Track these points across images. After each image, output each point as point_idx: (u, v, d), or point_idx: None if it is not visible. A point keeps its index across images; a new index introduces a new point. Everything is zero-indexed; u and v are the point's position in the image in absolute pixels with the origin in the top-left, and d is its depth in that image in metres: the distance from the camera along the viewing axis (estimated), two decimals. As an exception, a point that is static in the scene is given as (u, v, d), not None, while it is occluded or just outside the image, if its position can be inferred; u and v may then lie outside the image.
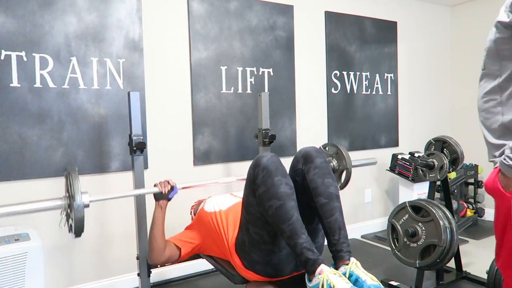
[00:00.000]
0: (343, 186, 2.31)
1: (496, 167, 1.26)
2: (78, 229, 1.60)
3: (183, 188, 1.96)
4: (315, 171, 1.56)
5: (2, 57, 2.19)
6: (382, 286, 1.32)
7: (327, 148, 2.42)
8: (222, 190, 2.89)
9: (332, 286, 1.28)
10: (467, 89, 4.08)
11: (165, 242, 1.84)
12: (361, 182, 3.71)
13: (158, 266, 2.11)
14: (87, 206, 1.62)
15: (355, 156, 3.63)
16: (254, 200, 1.52)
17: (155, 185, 1.88)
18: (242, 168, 2.96)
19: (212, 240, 1.83)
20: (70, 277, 2.44)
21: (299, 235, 1.40)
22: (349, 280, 1.34)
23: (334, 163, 2.31)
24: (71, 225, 1.64)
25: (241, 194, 1.85)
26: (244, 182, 1.61)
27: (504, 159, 1.20)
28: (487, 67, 1.30)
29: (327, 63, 3.43)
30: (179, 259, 1.89)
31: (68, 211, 1.65)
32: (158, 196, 1.86)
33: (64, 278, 2.42)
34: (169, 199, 1.88)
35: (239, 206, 1.71)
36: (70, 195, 1.60)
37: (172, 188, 1.87)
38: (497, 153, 1.26)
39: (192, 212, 2.17)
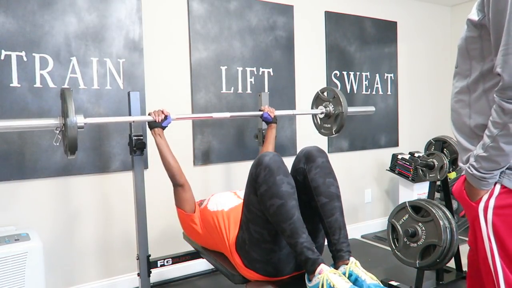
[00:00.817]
0: (338, 130, 2.33)
1: (462, 175, 1.22)
2: (71, 148, 1.64)
3: (177, 118, 2.03)
4: (317, 170, 1.57)
5: (2, 57, 2.19)
6: (382, 285, 1.32)
7: (325, 93, 2.41)
8: (223, 188, 2.90)
9: (332, 286, 1.28)
10: (467, 89, 4.07)
11: (177, 162, 1.94)
12: (361, 182, 3.71)
13: (158, 266, 2.11)
14: (81, 127, 1.68)
15: (355, 156, 3.65)
16: (255, 199, 1.52)
17: (149, 114, 1.94)
18: (242, 168, 2.97)
19: (212, 238, 1.84)
20: (70, 277, 2.44)
21: (299, 234, 1.40)
22: (349, 280, 1.34)
23: (331, 107, 2.33)
24: (66, 145, 1.68)
25: (242, 191, 1.86)
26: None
27: (469, 167, 1.16)
28: (459, 65, 1.25)
29: (327, 63, 3.43)
30: (195, 215, 1.93)
31: (63, 129, 1.68)
32: (152, 125, 1.94)
33: (64, 278, 2.42)
34: (163, 128, 1.95)
35: (241, 208, 1.72)
36: (65, 114, 1.64)
37: (166, 117, 1.94)
38: (464, 158, 1.22)
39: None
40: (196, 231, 1.93)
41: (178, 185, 1.94)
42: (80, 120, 1.68)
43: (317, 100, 2.45)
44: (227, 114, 2.20)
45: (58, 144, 1.74)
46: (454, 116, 1.27)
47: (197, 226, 1.92)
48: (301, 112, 2.62)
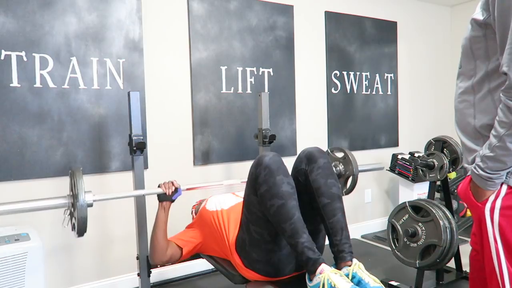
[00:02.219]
0: (349, 191, 2.29)
1: (468, 175, 1.20)
2: (81, 229, 1.60)
3: (187, 189, 1.97)
4: (318, 171, 1.57)
5: (2, 57, 2.19)
6: None
7: (334, 152, 2.39)
8: (224, 189, 2.89)
9: (333, 286, 1.28)
10: (467, 89, 4.07)
11: (167, 242, 1.84)
12: (361, 182, 3.68)
13: (159, 266, 2.11)
14: (90, 205, 1.63)
15: (355, 156, 3.64)
16: (255, 199, 1.52)
17: (159, 186, 1.89)
18: (242, 168, 2.96)
19: (213, 239, 1.83)
20: (70, 277, 2.44)
21: (300, 234, 1.40)
22: (352, 282, 1.34)
23: (341, 167, 2.29)
24: (74, 224, 1.64)
25: (243, 193, 1.85)
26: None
27: (475, 167, 1.14)
28: (463, 65, 1.24)
29: (327, 63, 3.43)
30: (181, 259, 1.89)
31: (72, 210, 1.65)
32: (161, 198, 1.87)
33: (64, 278, 2.42)
34: (172, 201, 1.89)
35: (241, 206, 1.72)
36: (74, 194, 1.61)
37: (176, 189, 1.88)
38: (470, 159, 1.21)
39: (193, 212, 2.18)
40: (196, 246, 1.91)
41: (154, 264, 1.88)
42: (89, 198, 1.63)
43: None
44: (238, 181, 2.13)
45: (66, 226, 1.70)
46: (459, 116, 1.26)
47: (194, 243, 1.90)
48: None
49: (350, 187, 2.29)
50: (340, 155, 2.33)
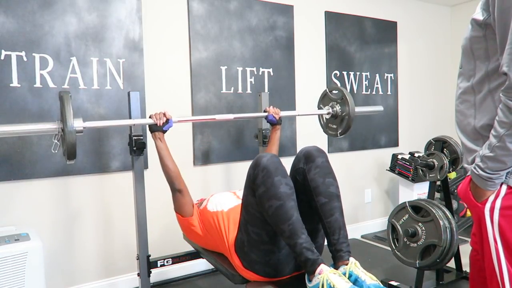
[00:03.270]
0: (343, 132, 2.27)
1: (468, 175, 1.20)
2: (70, 153, 1.61)
3: (178, 121, 1.98)
4: (316, 170, 1.57)
5: (2, 57, 2.19)
6: (382, 285, 1.32)
7: (333, 92, 2.36)
8: (223, 188, 2.90)
9: (332, 286, 1.28)
10: (467, 89, 4.07)
11: (177, 166, 1.90)
12: (361, 182, 3.71)
13: (158, 266, 2.11)
14: (80, 131, 1.65)
15: (355, 156, 3.65)
16: (253, 200, 1.52)
17: (150, 116, 1.89)
18: (242, 168, 2.97)
19: (213, 238, 1.84)
20: (70, 277, 2.44)
21: (298, 235, 1.40)
22: (349, 280, 1.34)
23: (338, 108, 2.28)
24: (64, 150, 1.65)
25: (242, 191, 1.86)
26: None
27: (474, 167, 1.15)
28: (463, 66, 1.24)
29: (327, 63, 3.43)
30: (192, 218, 1.91)
31: (62, 135, 1.65)
32: (153, 128, 1.89)
33: (64, 278, 2.42)
34: (164, 132, 1.91)
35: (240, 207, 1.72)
36: (63, 119, 1.61)
37: (168, 120, 1.89)
38: (469, 159, 1.21)
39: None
40: (196, 232, 1.92)
41: (177, 190, 1.91)
42: (78, 124, 1.65)
43: (324, 99, 2.41)
44: (230, 116, 2.15)
45: (56, 151, 1.72)
46: (459, 117, 1.26)
47: (196, 227, 1.91)
48: (307, 113, 2.58)
49: (345, 128, 2.26)
50: (338, 97, 2.31)
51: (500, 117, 1.07)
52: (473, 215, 1.22)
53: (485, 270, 1.21)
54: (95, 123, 1.85)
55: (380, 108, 2.60)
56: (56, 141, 1.71)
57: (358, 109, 2.32)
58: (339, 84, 3.49)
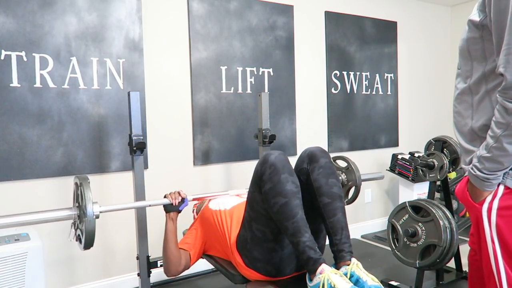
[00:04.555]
0: (351, 201, 2.30)
1: (465, 176, 1.21)
2: (88, 242, 1.53)
3: (193, 199, 1.94)
4: (319, 171, 1.57)
5: (2, 57, 2.19)
6: (383, 287, 1.32)
7: (337, 161, 2.38)
8: (223, 188, 2.90)
9: (332, 286, 1.28)
10: (467, 89, 4.07)
11: (179, 252, 1.83)
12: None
13: (158, 266, 2.11)
14: (97, 217, 1.56)
15: (355, 156, 3.64)
16: (259, 197, 1.52)
17: (165, 196, 1.85)
18: (242, 168, 2.97)
19: (215, 238, 1.84)
20: (70, 277, 2.44)
21: (302, 233, 1.41)
22: (350, 281, 1.34)
23: (343, 177, 2.29)
24: (79, 236, 1.57)
25: (245, 194, 1.86)
26: (251, 174, 1.60)
27: (472, 168, 1.15)
28: (461, 67, 1.24)
29: (327, 63, 3.43)
30: (191, 262, 1.87)
31: (78, 222, 1.59)
32: (168, 208, 1.84)
33: (64, 278, 2.42)
34: (179, 211, 1.87)
35: (243, 206, 1.72)
36: (80, 206, 1.55)
37: (183, 200, 1.85)
38: (467, 160, 1.21)
39: (195, 211, 2.17)
40: (203, 247, 1.91)
41: (171, 276, 1.83)
42: (96, 209, 1.56)
43: None
44: (244, 190, 2.07)
45: (72, 240, 1.63)
46: (456, 118, 1.26)
47: (201, 247, 1.89)
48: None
49: (353, 197, 2.29)
50: (343, 165, 2.32)
51: (497, 118, 1.07)
52: (471, 215, 1.23)
53: (483, 270, 1.21)
54: (110, 207, 1.77)
55: (381, 174, 2.68)
56: (72, 228, 1.63)
57: (363, 177, 2.34)
58: (339, 85, 3.49)
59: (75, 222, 1.63)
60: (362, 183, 2.28)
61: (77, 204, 1.61)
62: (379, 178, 2.65)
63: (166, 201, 1.83)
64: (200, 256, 1.91)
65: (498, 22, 1.06)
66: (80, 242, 1.58)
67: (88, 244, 1.54)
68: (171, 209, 1.84)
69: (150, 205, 1.87)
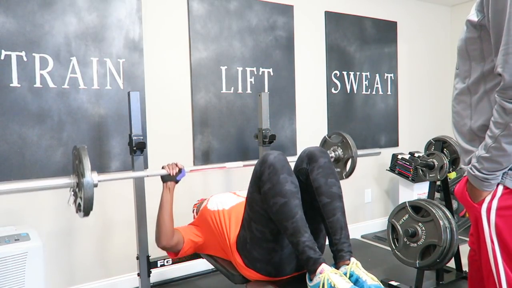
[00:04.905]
0: (348, 174, 2.30)
1: (465, 176, 1.21)
2: (87, 208, 1.58)
3: (190, 171, 1.99)
4: (319, 170, 1.57)
5: (2, 57, 2.19)
6: (383, 286, 1.32)
7: (331, 137, 2.40)
8: (223, 188, 2.90)
9: (332, 286, 1.28)
10: (467, 89, 4.08)
11: (173, 225, 1.86)
12: (361, 182, 3.71)
13: (158, 266, 2.11)
14: (95, 185, 1.61)
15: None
16: (259, 197, 1.52)
17: (163, 167, 1.91)
18: (242, 168, 2.96)
19: (214, 238, 1.84)
20: (70, 277, 2.44)
21: (302, 233, 1.41)
22: (350, 280, 1.34)
23: (339, 151, 2.31)
24: (79, 204, 1.62)
25: (244, 193, 1.86)
26: (250, 174, 1.60)
27: (471, 168, 1.15)
28: (459, 67, 1.25)
29: (327, 63, 3.43)
30: (182, 251, 1.88)
31: (77, 190, 1.64)
32: (166, 178, 1.90)
33: (64, 278, 2.42)
34: (176, 181, 1.92)
35: (242, 206, 1.72)
36: (79, 174, 1.59)
37: (180, 170, 1.91)
38: (466, 160, 1.21)
39: (195, 211, 2.18)
40: (198, 245, 1.91)
41: (161, 247, 1.85)
42: (94, 178, 1.58)
43: (325, 144, 2.44)
44: (240, 164, 2.17)
45: (71, 205, 1.68)
46: (455, 118, 1.26)
47: (196, 243, 1.90)
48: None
49: (350, 170, 2.29)
50: (338, 140, 2.35)
51: (496, 118, 1.07)
52: (470, 215, 1.23)
53: (482, 270, 1.21)
54: (108, 176, 1.82)
55: (378, 151, 2.71)
56: (71, 194, 1.67)
57: (359, 152, 2.35)
58: (339, 85, 3.49)
59: (74, 190, 1.66)
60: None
61: (75, 173, 1.64)
62: (376, 154, 2.69)
63: (164, 171, 1.89)
64: (192, 249, 1.91)
65: (496, 22, 1.06)
66: (80, 210, 1.62)
67: (87, 210, 1.58)
68: (169, 179, 1.90)
69: (148, 176, 1.93)
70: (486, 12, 1.09)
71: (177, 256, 1.92)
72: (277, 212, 1.44)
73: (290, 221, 1.42)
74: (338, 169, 2.37)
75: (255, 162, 1.62)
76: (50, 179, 1.68)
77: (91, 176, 1.55)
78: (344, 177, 2.30)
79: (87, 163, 1.56)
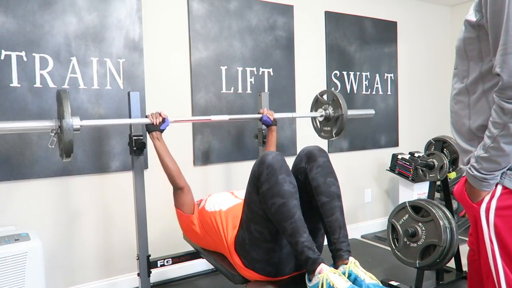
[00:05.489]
0: (338, 133, 2.31)
1: (463, 176, 1.21)
2: (67, 151, 1.62)
3: (174, 121, 2.01)
4: (318, 170, 1.57)
5: (2, 57, 2.19)
6: (381, 285, 1.32)
7: (324, 96, 2.40)
8: (223, 188, 2.90)
9: (331, 285, 1.28)
10: (467, 89, 4.08)
11: (176, 163, 1.93)
12: (361, 182, 3.71)
13: (158, 266, 2.11)
14: (77, 129, 1.65)
15: (355, 156, 3.65)
16: (257, 198, 1.52)
17: (146, 116, 1.92)
18: (242, 168, 2.97)
19: (211, 238, 1.84)
20: (70, 277, 2.44)
21: (300, 233, 1.41)
22: (348, 279, 1.34)
23: (330, 110, 2.32)
24: (61, 148, 1.66)
25: (241, 194, 1.86)
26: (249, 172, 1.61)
27: (470, 168, 1.15)
28: (457, 67, 1.25)
29: (327, 63, 3.43)
30: (187, 203, 1.94)
31: (59, 132, 1.66)
32: (150, 128, 1.92)
33: (64, 278, 2.42)
34: (161, 131, 1.93)
35: (239, 208, 1.72)
36: (60, 117, 1.62)
37: (164, 120, 1.92)
38: (465, 160, 1.21)
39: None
40: (195, 231, 1.92)
41: (178, 188, 1.93)
42: (76, 122, 1.65)
43: (317, 103, 2.46)
44: (225, 117, 2.18)
45: (53, 146, 1.73)
46: (454, 118, 1.27)
47: (195, 226, 1.92)
48: (301, 115, 2.63)
49: (339, 129, 2.30)
50: (330, 100, 2.35)
51: (494, 118, 1.08)
52: (469, 215, 1.23)
53: (481, 270, 1.21)
54: (92, 121, 1.86)
55: (371, 111, 2.63)
56: (53, 137, 1.71)
57: (350, 112, 2.37)
58: (339, 85, 3.49)
59: (57, 132, 1.69)
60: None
61: (58, 116, 1.67)
62: (369, 114, 2.63)
63: (147, 120, 1.90)
64: (192, 217, 1.94)
65: (494, 22, 1.06)
66: (61, 152, 1.66)
67: (68, 152, 1.62)
68: (153, 129, 1.91)
69: (131, 124, 1.94)
70: (484, 12, 1.10)
71: (190, 217, 1.94)
72: (275, 212, 1.44)
73: (288, 221, 1.42)
74: (328, 128, 2.37)
75: (253, 162, 1.62)
76: (34, 121, 1.71)
77: (71, 119, 1.60)
78: (334, 135, 2.31)
79: (67, 107, 1.60)
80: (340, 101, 2.27)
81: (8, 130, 1.67)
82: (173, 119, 2.00)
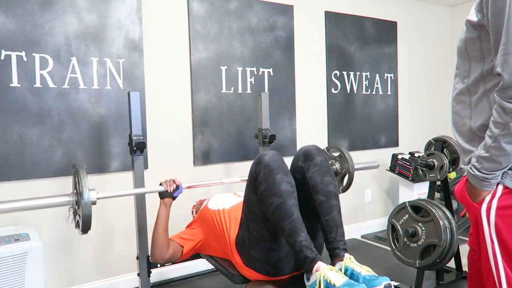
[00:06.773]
0: (345, 189, 2.31)
1: (464, 176, 1.21)
2: (85, 226, 1.61)
3: (188, 187, 1.99)
4: (315, 169, 1.57)
5: (2, 57, 2.19)
6: (377, 275, 1.32)
7: (330, 151, 2.41)
8: (225, 189, 2.89)
9: (328, 282, 1.28)
10: (467, 89, 4.08)
11: (168, 239, 1.85)
12: (361, 182, 3.70)
13: (158, 266, 2.11)
14: (94, 203, 1.64)
15: (355, 156, 3.64)
16: (255, 198, 1.52)
17: (160, 184, 1.91)
18: (242, 168, 2.97)
19: (214, 237, 1.84)
20: (70, 277, 2.44)
21: (298, 233, 1.41)
22: (345, 275, 1.35)
23: (337, 165, 2.32)
24: (78, 222, 1.65)
25: (242, 192, 1.86)
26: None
27: (470, 168, 1.15)
28: (459, 67, 1.25)
29: (327, 63, 3.43)
30: (181, 258, 1.88)
31: (76, 207, 1.66)
32: (163, 194, 1.90)
33: (64, 278, 2.42)
34: (174, 198, 1.91)
35: (242, 206, 1.72)
36: (78, 192, 1.62)
37: (177, 187, 1.91)
38: (466, 160, 1.21)
39: (194, 212, 2.18)
40: (198, 246, 1.91)
41: (154, 261, 1.84)
42: (93, 196, 1.63)
43: None
44: (237, 179, 2.19)
45: (71, 223, 1.71)
46: (455, 118, 1.27)
47: (199, 238, 1.89)
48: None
49: (347, 185, 2.31)
50: (336, 154, 2.34)
51: (495, 117, 1.08)
52: (470, 215, 1.23)
53: (482, 269, 1.21)
54: (108, 193, 1.83)
55: (376, 163, 2.66)
56: (70, 212, 1.71)
57: (356, 165, 2.36)
58: (339, 85, 3.49)
59: (73, 207, 1.69)
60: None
61: (75, 191, 1.67)
62: (374, 167, 2.65)
63: (162, 188, 1.90)
64: (192, 253, 1.91)
65: (495, 22, 1.06)
66: (79, 227, 1.65)
67: (86, 228, 1.61)
68: (166, 195, 1.90)
69: (146, 192, 1.95)
70: (485, 12, 1.10)
71: (178, 260, 1.91)
72: (273, 212, 1.44)
73: (286, 221, 1.42)
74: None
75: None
76: (51, 197, 1.69)
77: (89, 195, 1.59)
78: (341, 191, 2.30)
79: (85, 180, 1.60)
80: (347, 158, 2.27)
81: (23, 208, 1.65)
82: (186, 185, 1.97)
